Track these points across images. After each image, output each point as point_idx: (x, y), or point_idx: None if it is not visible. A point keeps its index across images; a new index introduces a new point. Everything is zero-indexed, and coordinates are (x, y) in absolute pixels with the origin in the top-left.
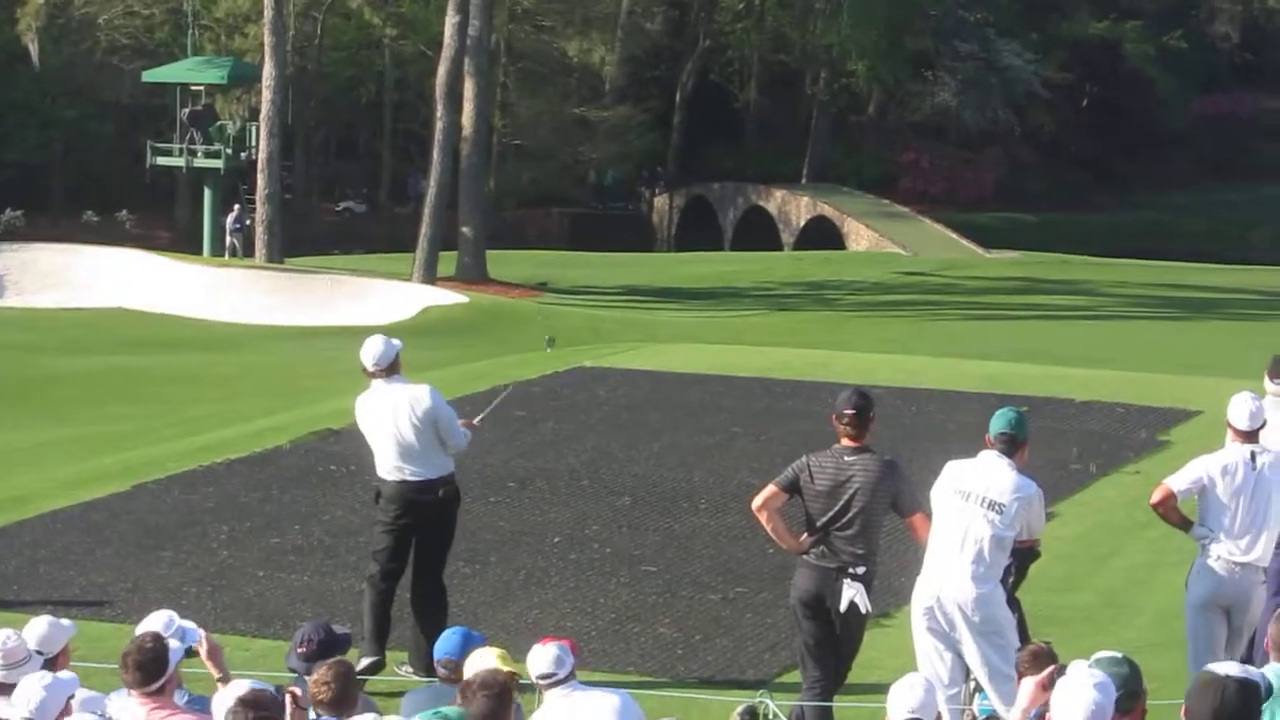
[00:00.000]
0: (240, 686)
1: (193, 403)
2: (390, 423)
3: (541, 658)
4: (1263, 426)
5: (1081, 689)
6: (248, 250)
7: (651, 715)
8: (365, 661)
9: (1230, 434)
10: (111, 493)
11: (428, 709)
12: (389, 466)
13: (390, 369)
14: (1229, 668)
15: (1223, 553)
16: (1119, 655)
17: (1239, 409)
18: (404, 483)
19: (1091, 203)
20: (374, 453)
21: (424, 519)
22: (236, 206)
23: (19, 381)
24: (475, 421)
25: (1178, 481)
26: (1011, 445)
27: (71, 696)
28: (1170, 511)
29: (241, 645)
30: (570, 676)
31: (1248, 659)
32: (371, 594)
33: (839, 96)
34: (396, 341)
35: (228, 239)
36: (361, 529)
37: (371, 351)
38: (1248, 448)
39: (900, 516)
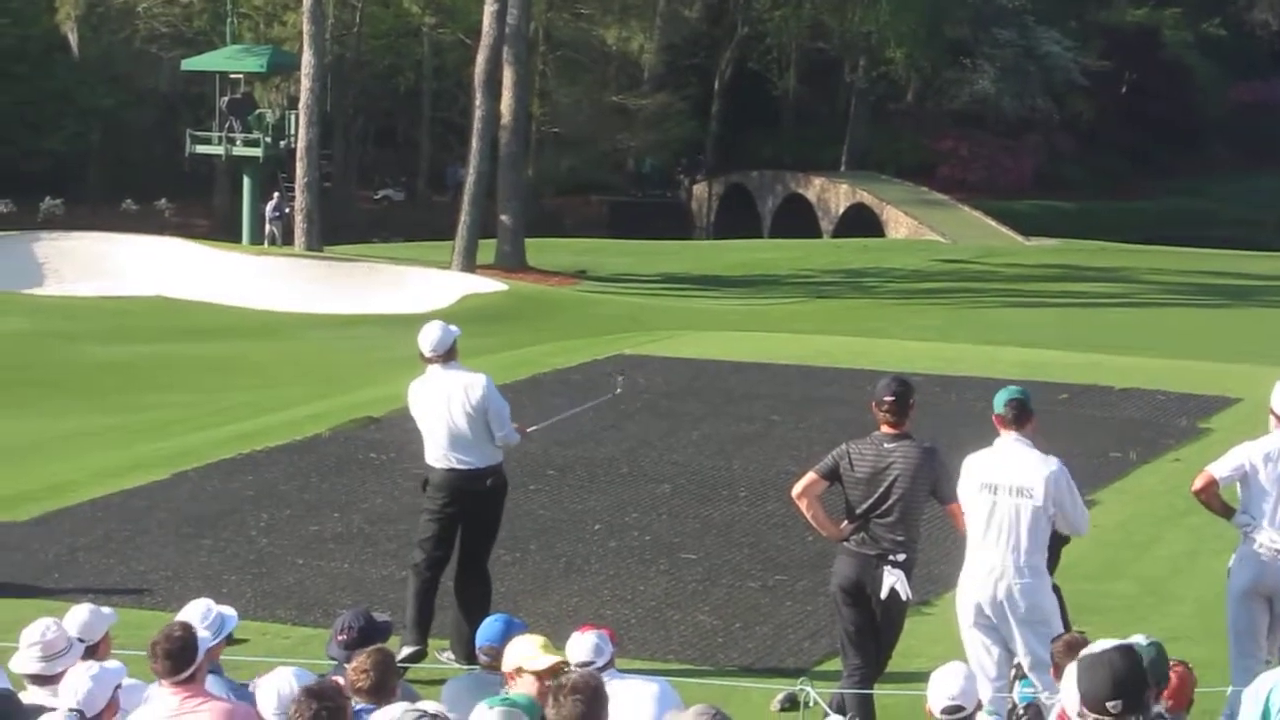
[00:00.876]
0: (282, 674)
1: (232, 390)
2: (444, 409)
3: (581, 645)
4: None
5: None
6: (287, 238)
7: (691, 703)
8: (407, 650)
9: (1273, 421)
10: (151, 481)
11: (469, 697)
12: (438, 454)
13: (448, 355)
14: (1104, 644)
15: (1265, 540)
16: (1145, 640)
17: (1275, 398)
18: (452, 471)
19: (1130, 190)
20: (424, 439)
21: (471, 508)
22: (276, 194)
23: (59, 370)
24: (529, 430)
25: (1220, 468)
26: (1020, 416)
27: (119, 686)
28: (1212, 499)
29: (282, 633)
30: (609, 665)
31: None
32: (416, 582)
33: (877, 84)
34: (454, 328)
35: (267, 227)
36: (401, 517)
37: (430, 337)
38: None
39: (940, 504)
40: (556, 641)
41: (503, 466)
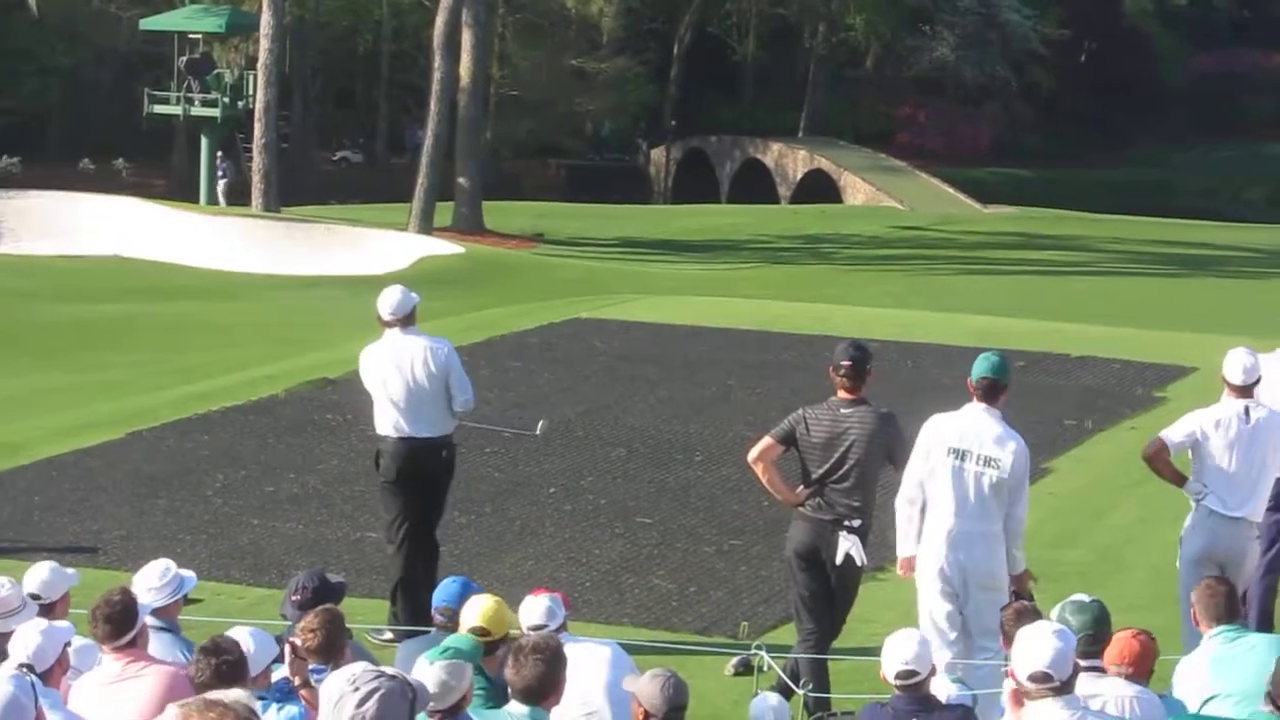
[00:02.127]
0: (238, 634)
1: (188, 351)
2: (404, 373)
3: (533, 609)
4: (1257, 382)
5: (1041, 637)
6: (230, 199)
7: (645, 667)
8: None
9: (1226, 389)
10: (106, 440)
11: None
12: (391, 422)
13: (407, 319)
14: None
15: (1216, 508)
16: (1087, 599)
17: (1234, 364)
18: (406, 440)
19: (1089, 159)
20: (376, 408)
21: (425, 479)
22: (220, 154)
23: (15, 328)
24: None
25: (1172, 435)
26: (993, 390)
27: (68, 644)
28: (1163, 465)
29: (236, 593)
30: (562, 628)
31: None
32: (401, 563)
33: (837, 50)
34: (415, 295)
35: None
36: (357, 478)
37: (389, 300)
38: (1242, 403)
39: (896, 470)
40: (510, 604)
41: (453, 439)
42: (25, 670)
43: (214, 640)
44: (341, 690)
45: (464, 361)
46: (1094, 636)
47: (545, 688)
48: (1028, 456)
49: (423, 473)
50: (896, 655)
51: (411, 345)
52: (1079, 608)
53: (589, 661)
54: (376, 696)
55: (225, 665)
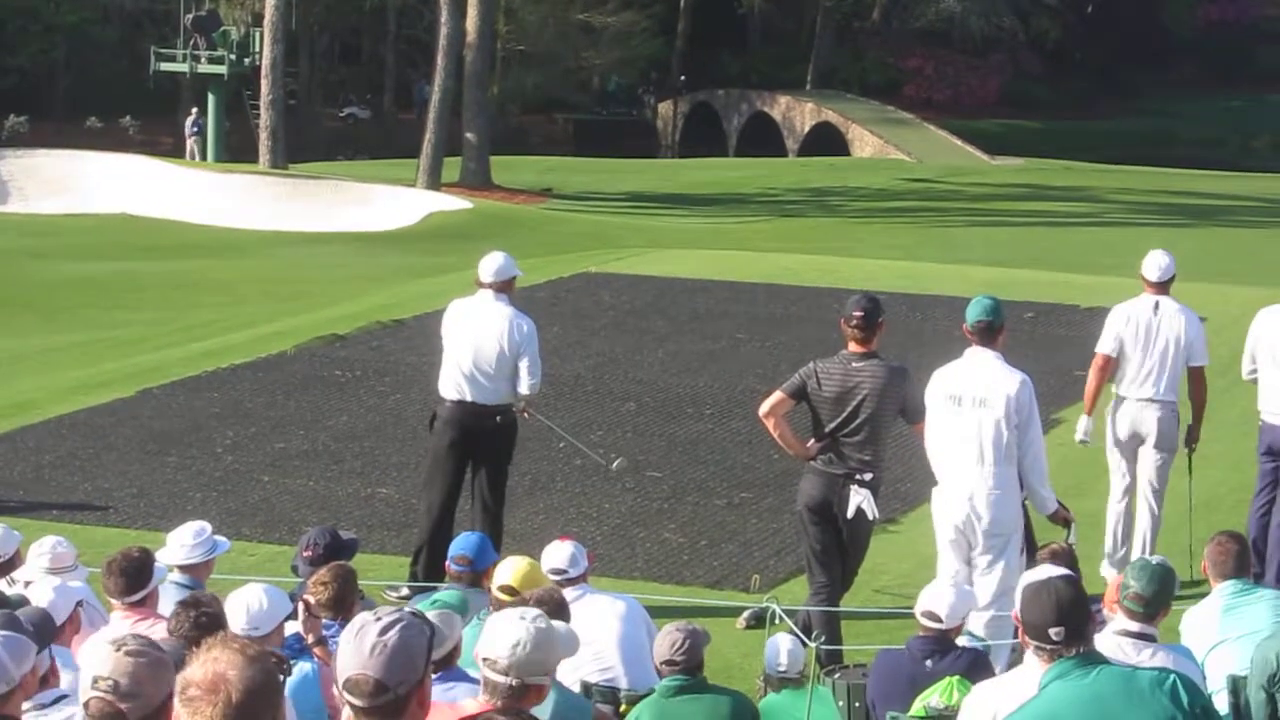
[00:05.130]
0: (251, 590)
1: (197, 308)
2: (480, 335)
3: (558, 553)
4: (1172, 279)
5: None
6: (205, 154)
7: (657, 621)
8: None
9: (1144, 285)
10: (116, 398)
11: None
12: (454, 383)
13: (504, 286)
14: (1048, 569)
15: (1132, 392)
16: (1155, 560)
17: (1151, 262)
18: (463, 404)
19: (1096, 109)
20: (443, 368)
21: (479, 445)
22: (194, 110)
23: (24, 287)
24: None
25: (1102, 345)
26: (989, 332)
27: (80, 604)
28: (1098, 382)
29: (247, 550)
30: (582, 579)
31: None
32: (428, 524)
33: (844, 2)
34: (519, 270)
35: (188, 144)
36: (367, 434)
37: (492, 264)
38: (1154, 298)
39: (908, 423)
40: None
41: (512, 409)
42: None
43: (193, 595)
44: (364, 620)
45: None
46: (1150, 599)
47: None
48: (1031, 392)
49: (477, 437)
50: (941, 600)
51: (497, 314)
52: (1143, 568)
53: (603, 615)
54: (398, 627)
55: (204, 617)
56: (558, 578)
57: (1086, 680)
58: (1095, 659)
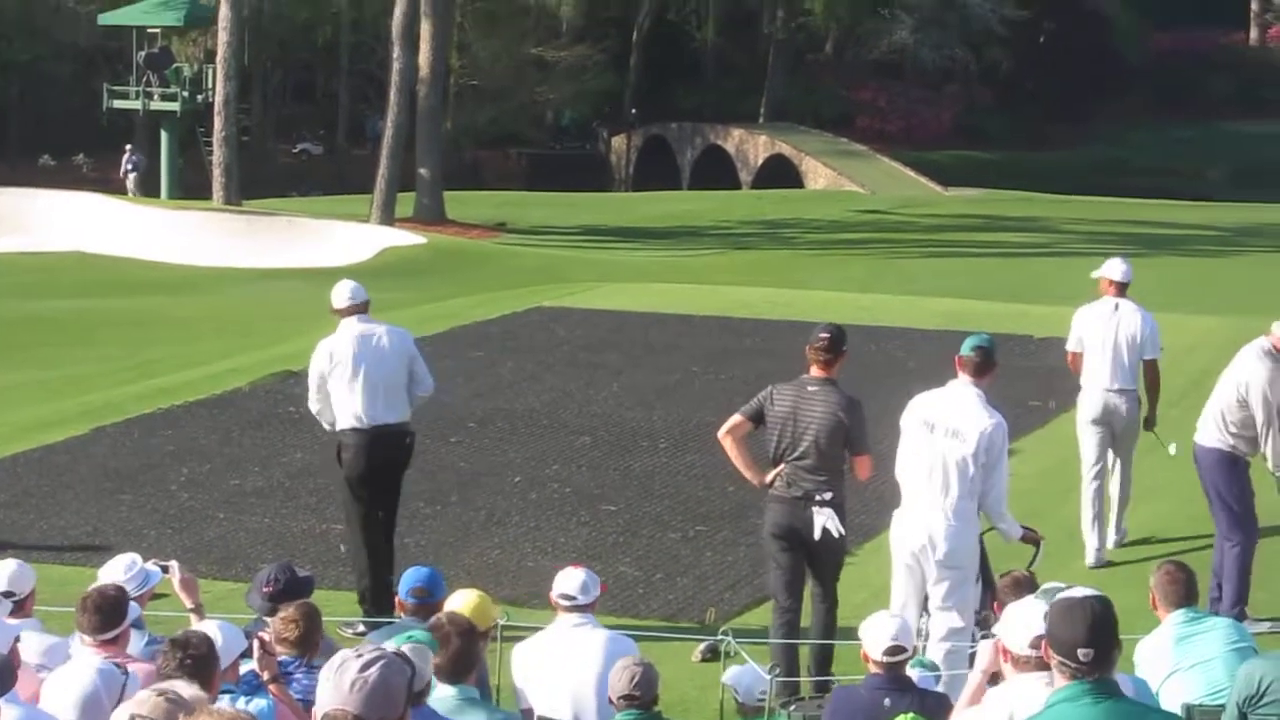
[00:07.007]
0: (208, 627)
1: (152, 345)
2: (368, 356)
3: (570, 580)
4: (1129, 284)
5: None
6: (144, 190)
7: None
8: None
9: (1106, 287)
10: (71, 436)
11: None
12: (353, 413)
13: (365, 307)
14: (1082, 590)
15: (1096, 383)
16: (1064, 586)
17: (1113, 266)
18: (370, 430)
19: (1049, 140)
20: (335, 402)
21: (386, 469)
22: (129, 146)
23: None
24: None
25: (1069, 345)
26: (980, 366)
27: (17, 639)
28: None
29: (203, 588)
30: (590, 607)
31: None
32: (368, 565)
33: (796, 35)
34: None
35: (127, 180)
36: (322, 470)
37: (345, 288)
38: (1114, 300)
39: (849, 454)
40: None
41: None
42: None
43: (185, 634)
44: (344, 656)
45: (426, 352)
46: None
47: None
48: (1004, 434)
49: (387, 463)
50: (882, 631)
51: (372, 330)
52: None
53: (596, 653)
54: (379, 665)
55: (190, 659)
56: (567, 604)
57: (1094, 710)
58: (1110, 689)
